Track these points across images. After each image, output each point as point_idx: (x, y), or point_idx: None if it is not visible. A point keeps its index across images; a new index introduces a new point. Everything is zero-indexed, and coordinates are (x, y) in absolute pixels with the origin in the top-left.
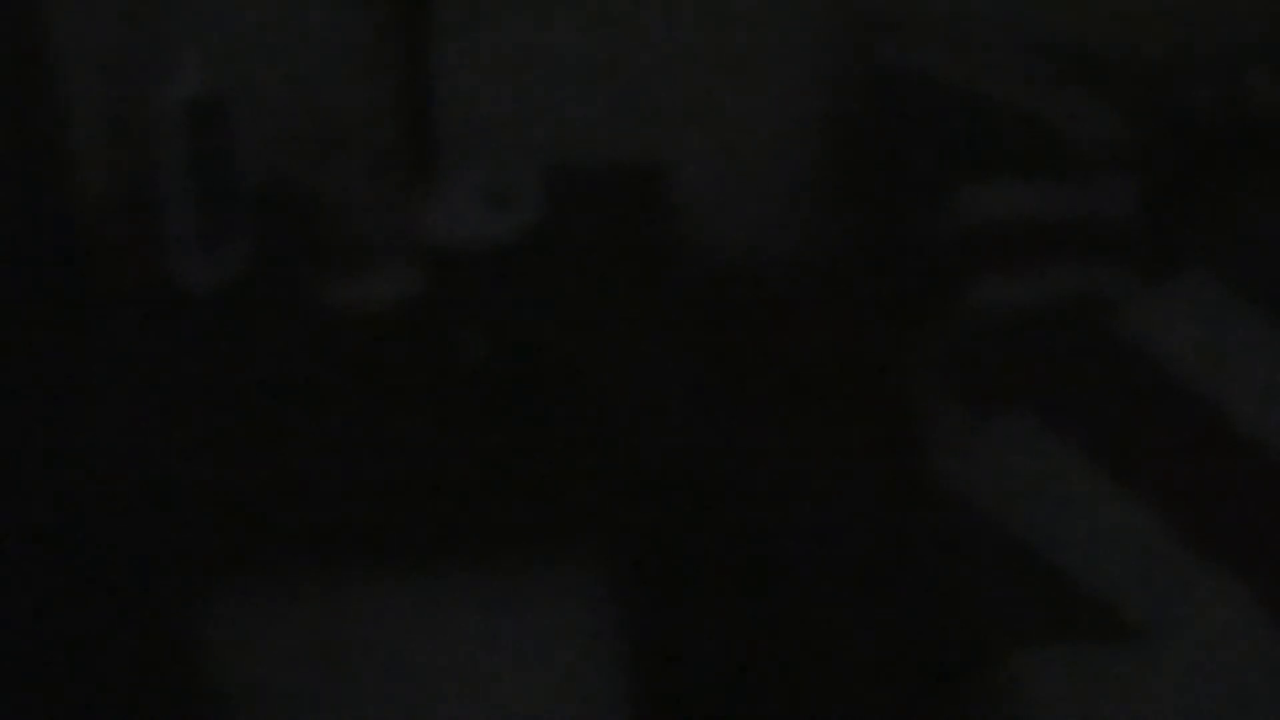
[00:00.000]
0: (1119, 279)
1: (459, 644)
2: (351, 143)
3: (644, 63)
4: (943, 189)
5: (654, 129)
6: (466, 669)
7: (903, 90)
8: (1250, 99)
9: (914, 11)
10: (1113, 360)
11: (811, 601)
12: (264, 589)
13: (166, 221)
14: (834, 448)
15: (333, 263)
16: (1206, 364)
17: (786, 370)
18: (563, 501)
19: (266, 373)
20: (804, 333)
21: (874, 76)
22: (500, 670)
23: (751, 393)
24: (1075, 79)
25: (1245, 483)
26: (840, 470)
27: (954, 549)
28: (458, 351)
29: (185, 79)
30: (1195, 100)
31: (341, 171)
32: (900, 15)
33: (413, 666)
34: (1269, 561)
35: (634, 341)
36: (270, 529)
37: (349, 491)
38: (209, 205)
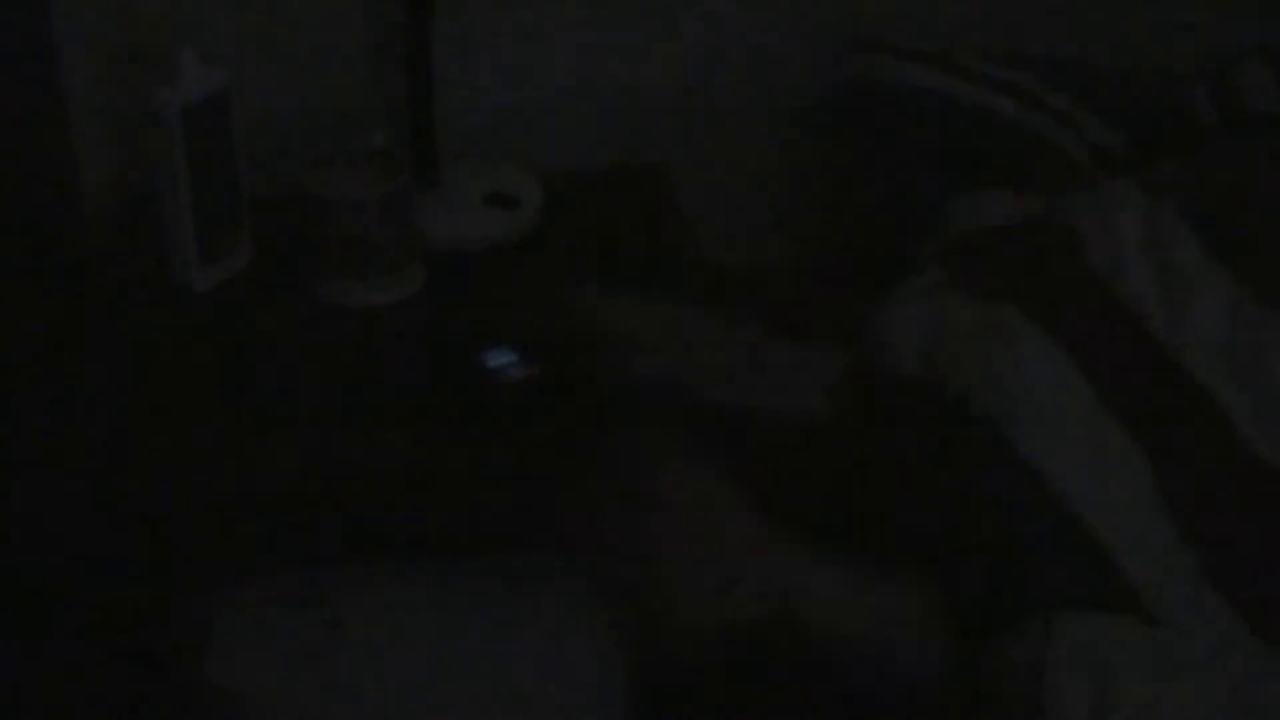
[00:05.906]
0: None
1: (458, 645)
2: (352, 143)
3: (643, 63)
4: (938, 196)
5: (653, 129)
6: (466, 670)
7: (896, 98)
8: (1248, 99)
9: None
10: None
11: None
12: (264, 589)
13: (166, 221)
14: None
15: (332, 263)
16: (1207, 363)
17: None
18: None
19: (265, 373)
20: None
21: (869, 84)
22: (501, 671)
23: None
24: (1071, 84)
25: (1246, 483)
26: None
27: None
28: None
29: (185, 79)
30: (1193, 100)
31: (342, 171)
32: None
33: (412, 667)
34: (1269, 563)
35: (634, 341)
36: (270, 529)
37: (347, 492)
38: (209, 205)
